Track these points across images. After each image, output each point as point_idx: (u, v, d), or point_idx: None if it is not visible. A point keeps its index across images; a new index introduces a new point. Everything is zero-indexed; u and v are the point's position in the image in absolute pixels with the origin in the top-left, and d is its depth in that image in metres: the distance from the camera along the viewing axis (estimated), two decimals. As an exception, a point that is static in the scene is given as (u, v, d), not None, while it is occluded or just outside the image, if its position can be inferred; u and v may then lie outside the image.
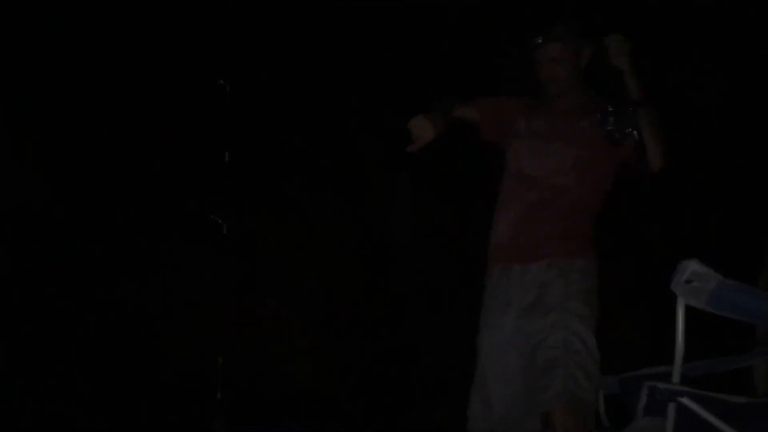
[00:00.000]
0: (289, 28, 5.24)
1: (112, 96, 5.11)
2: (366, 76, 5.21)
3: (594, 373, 2.42)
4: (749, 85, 4.56)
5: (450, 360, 4.35)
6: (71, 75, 5.04)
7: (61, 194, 5.11)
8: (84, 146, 5.12)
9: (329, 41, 5.21)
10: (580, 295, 2.50)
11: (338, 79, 5.26)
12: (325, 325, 5.42)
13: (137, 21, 5.08)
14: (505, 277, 2.59)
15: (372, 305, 5.34)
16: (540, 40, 2.65)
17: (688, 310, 2.03)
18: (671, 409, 2.06)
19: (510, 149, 2.72)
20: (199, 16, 5.07)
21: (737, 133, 4.45)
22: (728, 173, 4.28)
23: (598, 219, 2.62)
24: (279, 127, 5.32)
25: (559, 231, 2.56)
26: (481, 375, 2.57)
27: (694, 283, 1.98)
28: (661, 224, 4.55)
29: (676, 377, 2.05)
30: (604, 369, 2.57)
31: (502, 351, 2.54)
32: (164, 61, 5.14)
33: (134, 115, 5.15)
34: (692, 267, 1.97)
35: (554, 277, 2.52)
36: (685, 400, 2.02)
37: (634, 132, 2.43)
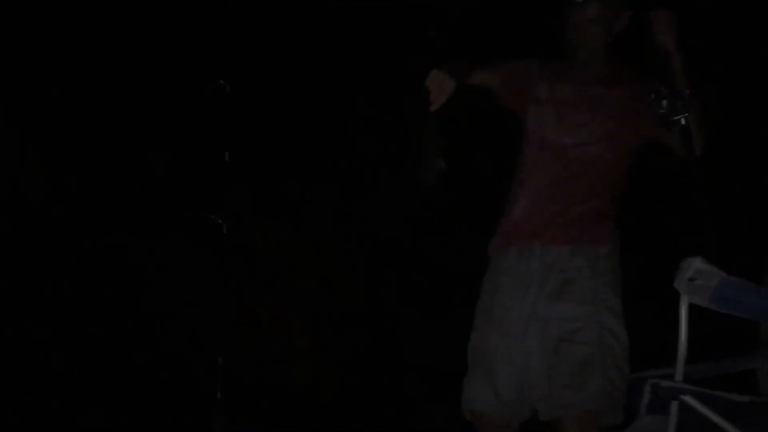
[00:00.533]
0: (289, 28, 5.23)
1: (111, 96, 5.10)
2: (367, 76, 5.20)
3: (626, 369, 2.32)
4: (749, 85, 4.56)
5: (450, 360, 4.34)
6: (70, 75, 5.03)
7: (60, 194, 5.10)
8: (83, 146, 5.11)
9: (329, 41, 5.20)
10: (609, 286, 2.36)
11: (339, 79, 5.25)
12: (325, 325, 5.41)
13: (137, 21, 5.07)
14: (525, 258, 2.41)
15: (372, 305, 5.34)
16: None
17: (692, 309, 2.03)
18: (674, 407, 2.06)
19: (530, 117, 2.54)
20: (199, 16, 5.06)
21: (739, 131, 4.45)
22: (731, 171, 4.27)
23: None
24: (279, 127, 5.31)
25: (585, 210, 2.40)
26: (487, 361, 2.38)
27: (697, 281, 1.98)
28: (663, 222, 4.54)
29: (679, 375, 2.05)
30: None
31: (516, 337, 2.36)
32: (164, 61, 5.13)
33: (133, 115, 5.14)
34: (696, 264, 1.98)
35: (581, 266, 2.35)
36: (688, 398, 2.02)
37: (684, 117, 2.25)
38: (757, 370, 2.70)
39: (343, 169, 5.43)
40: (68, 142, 5.09)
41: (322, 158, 5.43)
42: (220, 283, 4.84)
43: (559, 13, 2.55)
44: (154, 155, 5.20)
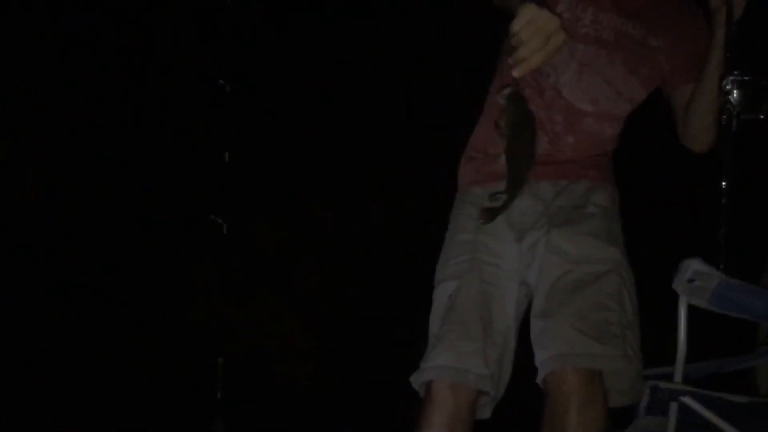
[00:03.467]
0: (289, 28, 5.23)
1: (111, 95, 5.10)
2: (366, 76, 5.21)
3: (638, 345, 1.82)
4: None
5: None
6: (70, 74, 5.03)
7: (59, 194, 5.11)
8: (83, 146, 5.11)
9: (330, 40, 5.20)
10: (622, 237, 1.93)
11: (338, 79, 5.25)
12: (325, 325, 5.41)
13: (137, 20, 5.08)
14: (524, 196, 1.85)
15: (373, 305, 5.34)
16: None
17: (691, 310, 2.02)
18: (673, 408, 2.05)
19: None
20: (199, 16, 5.06)
21: (738, 130, 4.44)
22: (730, 171, 4.26)
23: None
24: (279, 127, 5.31)
25: (599, 155, 1.96)
26: (474, 318, 1.86)
27: (696, 282, 1.97)
28: (663, 223, 4.54)
29: (678, 376, 2.05)
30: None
31: (504, 290, 1.88)
32: (164, 60, 5.13)
33: (134, 115, 5.14)
34: (694, 266, 1.96)
35: (604, 203, 1.91)
36: (687, 400, 2.01)
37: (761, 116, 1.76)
38: (756, 370, 2.70)
39: (344, 169, 5.44)
40: (68, 142, 5.09)
41: (322, 158, 5.44)
42: (220, 283, 4.85)
43: None
44: (154, 155, 5.21)
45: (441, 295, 1.95)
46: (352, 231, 5.47)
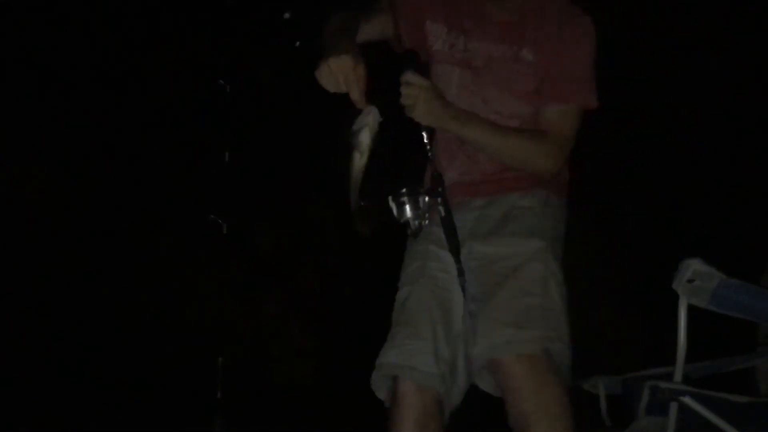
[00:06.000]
0: (289, 28, 5.23)
1: (112, 95, 5.10)
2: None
3: (567, 333, 1.83)
4: (748, 84, 4.56)
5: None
6: (71, 74, 5.03)
7: (60, 194, 5.11)
8: (84, 146, 5.11)
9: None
10: (555, 233, 1.96)
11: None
12: (325, 325, 5.41)
13: (137, 20, 5.08)
14: (462, 211, 1.97)
15: (373, 305, 5.34)
16: None
17: (691, 310, 2.02)
18: (673, 408, 2.05)
19: (431, 71, 2.02)
20: (199, 16, 5.06)
21: (738, 130, 4.45)
22: (730, 171, 4.27)
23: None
24: (279, 127, 5.31)
25: (524, 175, 1.98)
26: (425, 318, 1.92)
27: (696, 282, 1.97)
28: (663, 223, 4.55)
29: (678, 376, 2.05)
30: (605, 369, 2.54)
31: (455, 294, 1.93)
32: (164, 61, 5.13)
33: (134, 115, 5.14)
34: (694, 266, 1.96)
35: (531, 204, 1.96)
36: (687, 400, 2.01)
37: (440, 209, 1.91)
38: (756, 370, 2.70)
39: (344, 169, 5.43)
40: (68, 143, 5.09)
41: (322, 158, 5.44)
42: (220, 283, 4.85)
43: None
44: (154, 155, 5.21)
45: (397, 302, 2.04)
46: (352, 231, 5.47)
